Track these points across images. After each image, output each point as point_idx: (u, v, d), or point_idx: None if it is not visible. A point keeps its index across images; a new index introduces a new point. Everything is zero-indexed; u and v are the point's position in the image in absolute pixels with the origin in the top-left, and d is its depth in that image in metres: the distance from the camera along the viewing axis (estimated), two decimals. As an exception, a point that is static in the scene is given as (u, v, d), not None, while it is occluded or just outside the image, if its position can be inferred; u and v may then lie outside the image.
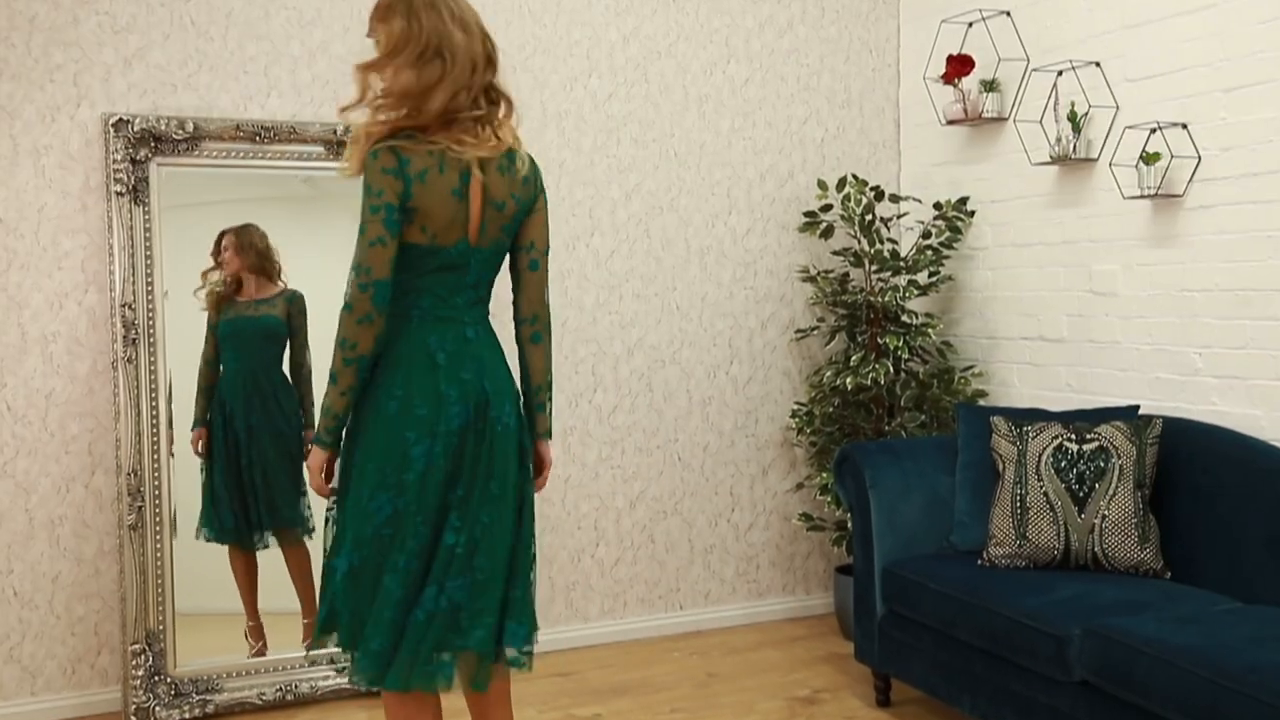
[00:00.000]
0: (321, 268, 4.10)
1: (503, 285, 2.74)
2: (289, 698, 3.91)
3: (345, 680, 3.90)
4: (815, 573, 4.94)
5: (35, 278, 3.79)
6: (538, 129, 4.36)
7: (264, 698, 3.89)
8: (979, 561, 3.61)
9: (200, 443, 3.93)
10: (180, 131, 3.85)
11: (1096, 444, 3.53)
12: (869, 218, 4.60)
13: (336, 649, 2.58)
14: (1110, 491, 3.48)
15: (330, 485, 2.58)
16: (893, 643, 3.70)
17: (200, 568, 3.90)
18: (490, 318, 2.69)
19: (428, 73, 2.48)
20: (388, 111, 2.51)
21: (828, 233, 4.68)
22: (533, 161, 2.65)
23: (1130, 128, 3.90)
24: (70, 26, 3.81)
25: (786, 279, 4.84)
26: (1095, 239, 4.13)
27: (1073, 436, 3.57)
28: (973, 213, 4.61)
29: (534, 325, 2.71)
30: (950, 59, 4.45)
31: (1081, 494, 3.50)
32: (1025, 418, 3.71)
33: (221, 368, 3.96)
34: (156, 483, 3.81)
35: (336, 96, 4.12)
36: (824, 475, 4.53)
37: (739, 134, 4.75)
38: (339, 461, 2.58)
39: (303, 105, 4.09)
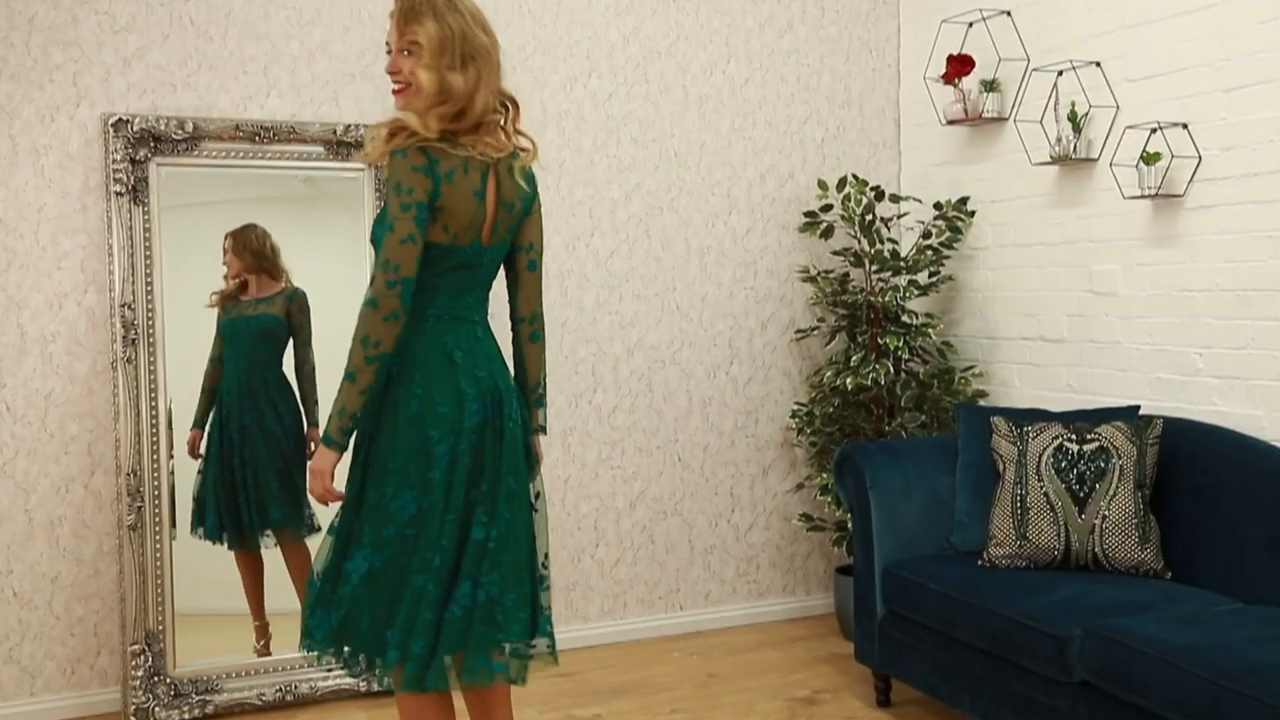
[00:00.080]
0: (321, 267, 4.10)
1: (498, 286, 2.75)
2: (289, 698, 3.90)
3: (344, 680, 3.91)
4: (815, 573, 4.94)
5: (35, 278, 3.79)
6: (538, 129, 4.35)
7: (264, 698, 3.88)
8: (979, 562, 3.60)
9: (195, 444, 3.93)
10: (180, 131, 3.84)
11: (1097, 444, 3.53)
12: (869, 218, 4.60)
13: (329, 655, 2.55)
14: (1111, 492, 3.48)
15: (335, 489, 2.55)
16: (893, 643, 3.70)
17: (200, 568, 3.90)
18: (490, 317, 2.70)
19: (469, 75, 2.52)
20: (439, 112, 2.50)
21: (828, 233, 4.68)
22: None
23: (1131, 128, 3.90)
24: (70, 26, 3.81)
25: (787, 279, 4.84)
26: (1096, 239, 4.13)
27: (1073, 437, 3.57)
28: (973, 213, 4.60)
29: (533, 324, 2.75)
30: (950, 59, 4.44)
31: (1082, 494, 3.50)
32: (1025, 418, 3.71)
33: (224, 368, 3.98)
34: (156, 483, 3.81)
35: (336, 96, 4.13)
36: (824, 475, 4.52)
37: (739, 134, 4.75)
38: (352, 460, 2.57)
39: (302, 105, 4.09)
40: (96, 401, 3.85)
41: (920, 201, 4.80)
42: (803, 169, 4.86)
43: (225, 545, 3.97)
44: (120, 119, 3.77)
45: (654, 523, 4.67)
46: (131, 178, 3.78)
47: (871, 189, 4.63)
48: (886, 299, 4.50)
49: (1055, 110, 4.14)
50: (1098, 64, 4.06)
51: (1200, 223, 3.76)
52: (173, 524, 3.85)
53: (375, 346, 2.44)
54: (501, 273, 2.74)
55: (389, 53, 2.58)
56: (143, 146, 3.80)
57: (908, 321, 4.51)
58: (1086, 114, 4.07)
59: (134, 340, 3.77)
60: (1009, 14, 4.40)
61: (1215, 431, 3.56)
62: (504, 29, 4.29)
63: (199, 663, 3.86)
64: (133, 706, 3.73)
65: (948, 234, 4.59)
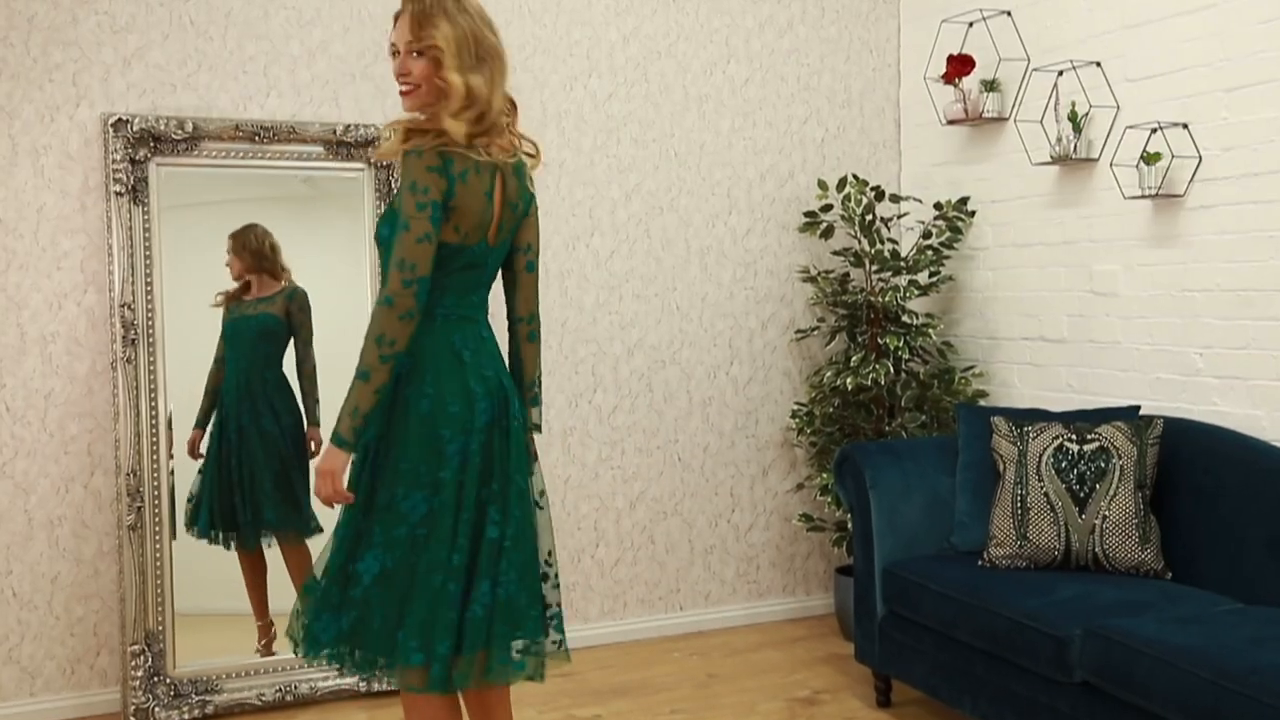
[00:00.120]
0: (321, 267, 4.10)
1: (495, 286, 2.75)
2: (288, 698, 3.90)
3: (344, 681, 3.91)
4: (815, 573, 4.94)
5: (34, 278, 3.79)
6: (538, 129, 4.35)
7: (263, 698, 3.88)
8: (979, 562, 3.60)
9: (196, 444, 3.93)
10: (179, 131, 3.84)
11: (1097, 444, 3.53)
12: (869, 218, 4.60)
13: (328, 660, 2.54)
14: (1111, 492, 3.47)
15: (345, 490, 2.52)
16: (893, 643, 3.70)
17: (200, 568, 3.90)
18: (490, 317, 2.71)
19: (485, 76, 2.53)
20: (468, 115, 2.51)
21: (828, 233, 4.67)
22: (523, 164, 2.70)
23: (1131, 128, 3.89)
24: (69, 26, 3.80)
25: (787, 279, 4.83)
26: (1096, 239, 4.12)
27: (1073, 437, 3.56)
28: (973, 213, 4.60)
29: (530, 324, 2.77)
30: (951, 59, 4.44)
31: (1082, 494, 3.50)
32: (1026, 418, 3.71)
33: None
34: (156, 483, 3.81)
35: (336, 96, 4.12)
36: (824, 476, 4.52)
37: (739, 134, 4.75)
38: (357, 466, 2.56)
39: (302, 105, 4.09)
40: (96, 402, 3.85)
41: (920, 201, 4.80)
42: (803, 169, 4.86)
43: (220, 544, 3.95)
44: (120, 119, 3.77)
45: (654, 523, 4.66)
46: (131, 178, 3.78)
47: (872, 189, 4.63)
48: (887, 299, 4.50)
49: (1055, 110, 4.14)
50: (1098, 64, 4.06)
51: (1201, 223, 3.75)
52: (172, 524, 3.85)
53: (390, 345, 2.43)
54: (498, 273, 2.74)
55: (395, 54, 2.58)
56: (142, 146, 3.80)
57: (908, 321, 4.51)
58: (1087, 114, 4.06)
59: (134, 340, 3.77)
60: (1009, 14, 4.40)
61: (1216, 432, 3.56)
62: (504, 29, 4.26)
63: (199, 663, 3.86)
64: (132, 707, 3.73)
65: (948, 234, 4.58)
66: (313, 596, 2.55)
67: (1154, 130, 3.80)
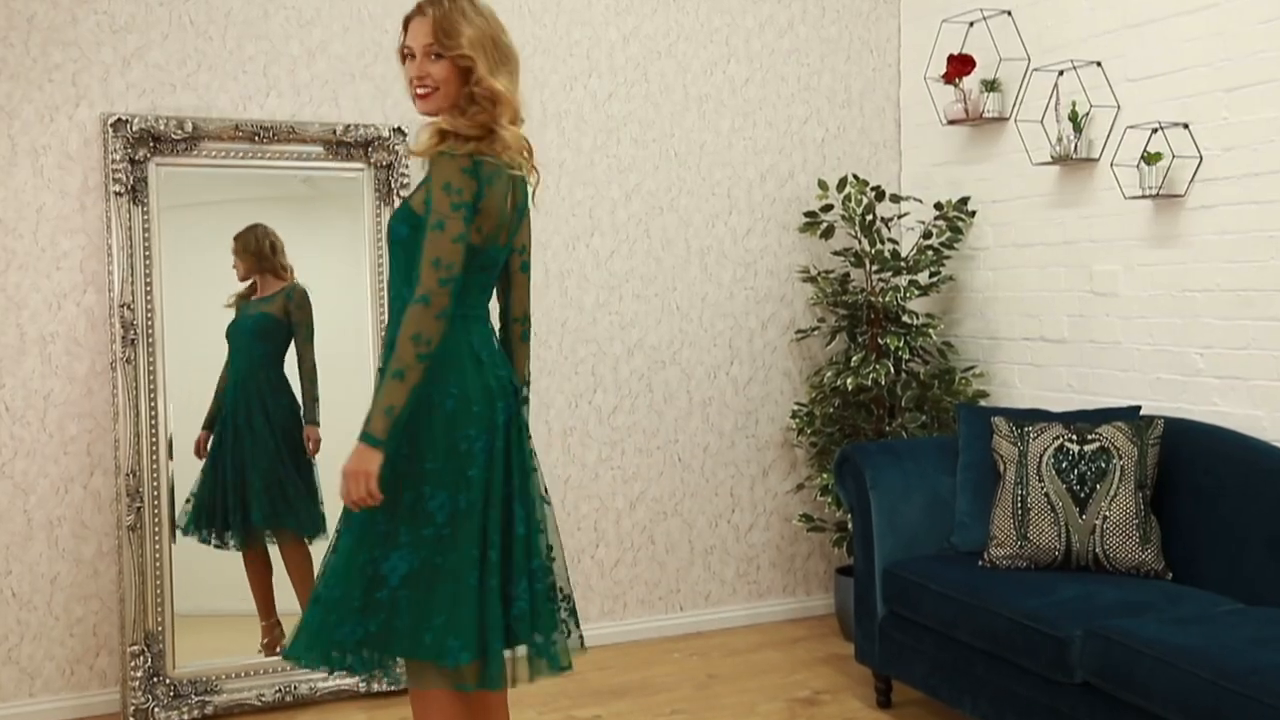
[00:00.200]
0: (321, 267, 4.09)
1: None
2: (288, 699, 3.90)
3: (344, 681, 3.90)
4: (816, 574, 4.93)
5: (34, 278, 3.79)
6: (538, 129, 4.35)
7: (263, 699, 3.88)
8: (980, 562, 3.60)
9: (201, 445, 3.93)
10: (179, 131, 3.84)
11: (1098, 445, 3.52)
12: (869, 218, 4.59)
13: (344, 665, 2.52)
14: (1111, 492, 3.47)
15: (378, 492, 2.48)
16: (893, 644, 3.69)
17: (199, 569, 3.89)
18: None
19: (507, 78, 2.57)
20: (517, 122, 2.56)
21: (828, 233, 4.67)
22: None
23: (1131, 127, 3.89)
24: (69, 26, 3.80)
25: (787, 279, 4.83)
26: (1096, 239, 4.12)
27: (1074, 437, 3.56)
28: (973, 213, 4.60)
29: (524, 324, 2.81)
30: (951, 59, 4.44)
31: (1083, 495, 3.49)
32: (1026, 418, 3.71)
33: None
34: (155, 484, 3.80)
35: (336, 96, 4.12)
36: (824, 476, 4.52)
37: (739, 134, 4.75)
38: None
39: (302, 105, 4.08)
40: (96, 402, 3.85)
41: (921, 201, 4.80)
42: (803, 169, 4.85)
43: (207, 543, 3.94)
44: (119, 119, 3.77)
45: (654, 523, 4.66)
46: (131, 178, 3.78)
47: (872, 189, 4.62)
48: (887, 299, 4.50)
49: (1056, 110, 4.14)
50: (1099, 64, 4.05)
51: (1201, 223, 3.75)
52: (172, 524, 3.85)
53: (426, 344, 2.43)
54: None
55: (409, 57, 2.59)
56: (142, 146, 3.80)
57: (908, 322, 4.51)
58: (1087, 114, 4.06)
59: (133, 341, 3.77)
60: (1010, 14, 4.40)
61: (1216, 432, 3.56)
62: (504, 29, 4.29)
63: (198, 663, 3.85)
64: (132, 707, 3.73)
65: (948, 234, 4.58)
66: (327, 608, 2.49)
67: (1155, 130, 3.79)
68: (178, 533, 3.87)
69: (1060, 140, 4.09)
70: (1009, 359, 4.52)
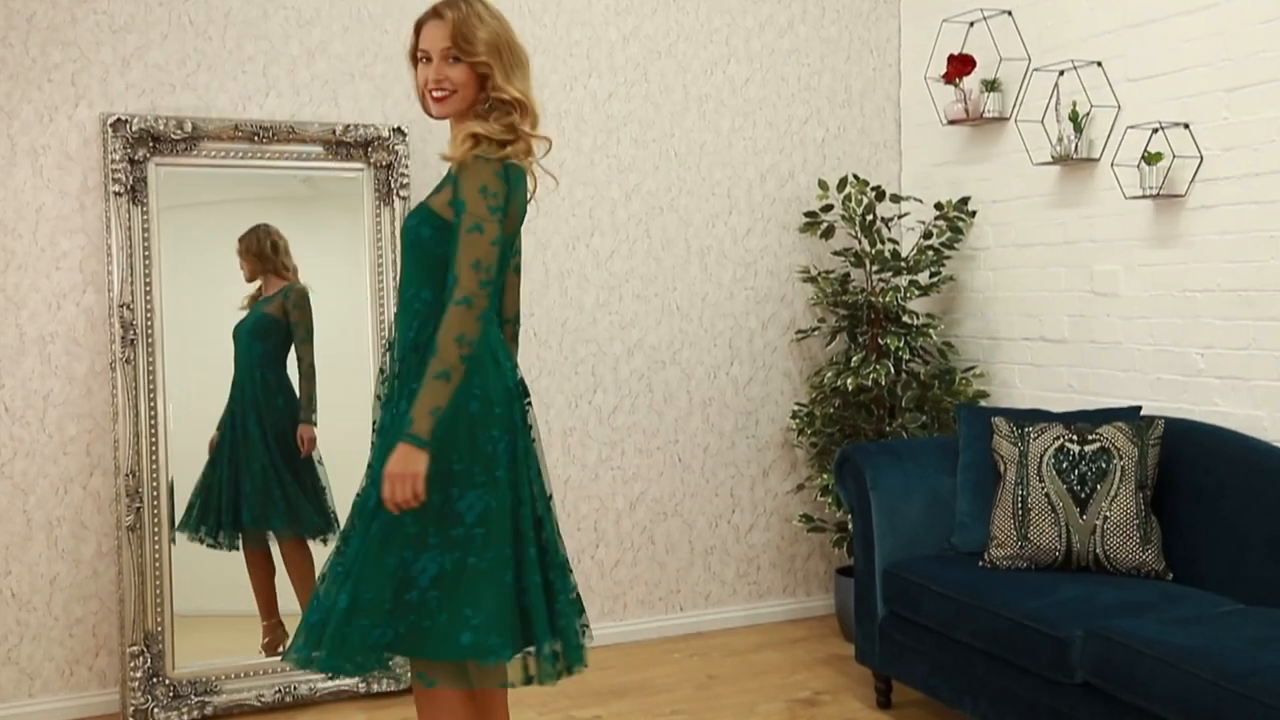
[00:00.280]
0: (321, 267, 4.09)
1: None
2: (288, 699, 3.89)
3: (344, 682, 3.90)
4: (816, 574, 4.93)
5: (33, 278, 3.78)
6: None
7: (263, 699, 3.87)
8: (980, 563, 3.59)
9: (214, 446, 3.97)
10: (178, 131, 3.84)
11: (1098, 445, 3.52)
12: (870, 218, 4.59)
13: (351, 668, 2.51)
14: (1112, 493, 3.47)
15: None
16: (894, 644, 3.69)
17: (199, 569, 3.89)
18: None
19: (522, 78, 2.61)
20: (526, 121, 2.59)
21: (828, 233, 4.67)
22: None
23: (1132, 127, 3.89)
24: (68, 26, 3.80)
25: (787, 279, 4.83)
26: (1097, 239, 4.12)
27: (1074, 437, 3.56)
28: (974, 213, 4.59)
29: (515, 325, 2.84)
30: (951, 58, 4.43)
31: (1083, 495, 3.49)
32: (1026, 418, 3.70)
33: None
34: (155, 484, 3.80)
35: (335, 96, 4.12)
36: (825, 476, 4.51)
37: (739, 134, 4.74)
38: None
39: (301, 105, 4.08)
40: (95, 402, 3.85)
41: (921, 201, 4.79)
42: (803, 169, 4.85)
43: (200, 542, 3.94)
44: (119, 119, 3.77)
45: (654, 524, 4.66)
46: (130, 178, 3.78)
47: (872, 189, 4.62)
48: (887, 299, 4.49)
49: (1056, 110, 4.14)
50: (1099, 64, 4.05)
51: (1202, 223, 3.75)
52: (171, 525, 3.84)
53: (469, 345, 2.45)
54: None
55: (424, 60, 2.59)
56: (141, 146, 3.80)
57: (908, 322, 4.50)
58: (1088, 114, 4.06)
59: (133, 341, 3.77)
60: (1010, 14, 4.40)
61: (1217, 432, 3.55)
62: (504, 29, 4.29)
63: (198, 664, 3.85)
64: (131, 708, 3.73)
65: (948, 234, 4.58)
66: (352, 607, 2.46)
67: (1155, 130, 3.79)
68: (176, 533, 3.87)
69: (1061, 140, 4.09)
70: (1009, 359, 4.51)
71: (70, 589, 3.84)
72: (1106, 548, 3.45)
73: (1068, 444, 3.55)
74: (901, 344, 4.43)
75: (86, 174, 3.83)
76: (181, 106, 3.92)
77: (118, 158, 3.76)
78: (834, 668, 4.25)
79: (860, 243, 4.63)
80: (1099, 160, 4.06)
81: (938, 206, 4.62)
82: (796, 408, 4.73)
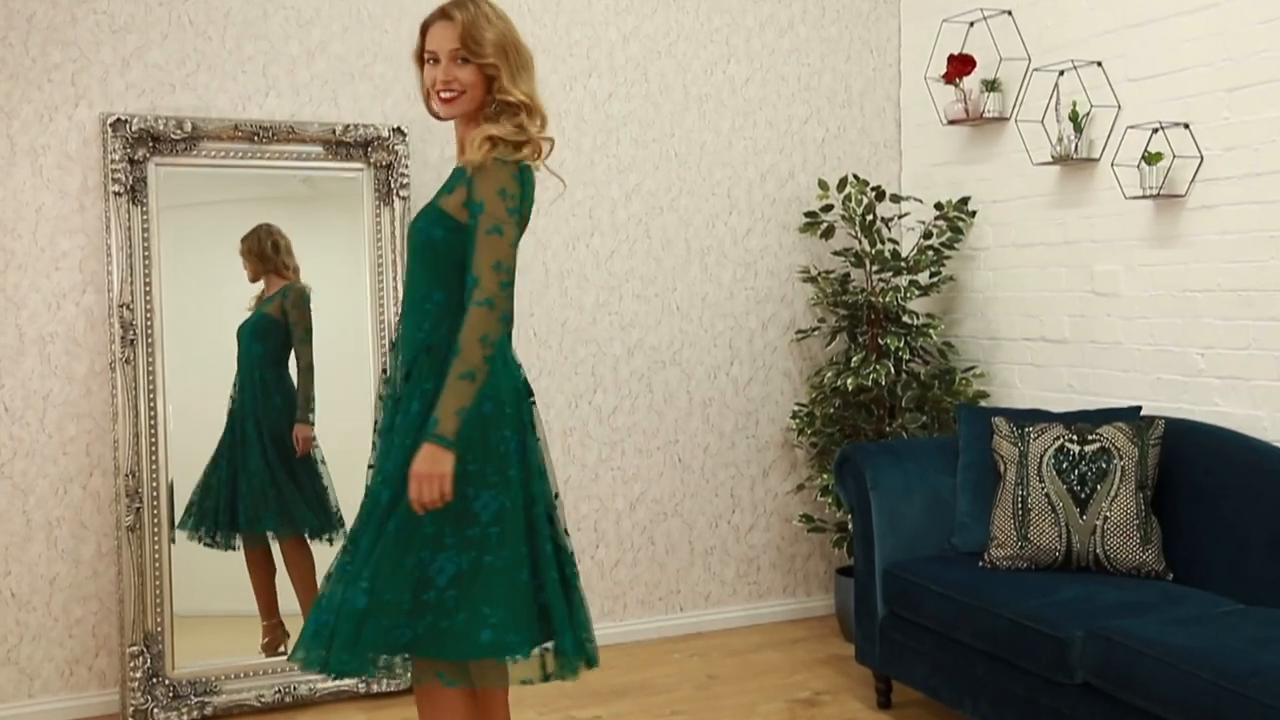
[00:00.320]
0: (320, 267, 4.09)
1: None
2: (288, 699, 3.89)
3: (344, 682, 3.89)
4: (816, 574, 4.93)
5: (33, 278, 3.78)
6: (537, 129, 4.34)
7: (263, 699, 3.87)
8: (980, 563, 3.59)
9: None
10: (178, 131, 3.83)
11: (1098, 445, 3.52)
12: (870, 218, 4.59)
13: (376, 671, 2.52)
14: (1112, 493, 3.46)
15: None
16: (894, 644, 3.69)
17: (198, 569, 3.89)
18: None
19: (528, 79, 2.63)
20: (534, 122, 2.60)
21: (828, 233, 4.66)
22: None
23: (1132, 127, 3.88)
24: (68, 26, 3.80)
25: (787, 279, 4.82)
26: (1097, 239, 4.11)
27: (1074, 438, 3.56)
28: (974, 213, 4.59)
29: (510, 324, 2.86)
30: (951, 58, 4.43)
31: (1083, 495, 3.49)
32: (1027, 419, 3.70)
33: None
34: (155, 484, 3.80)
35: (335, 96, 4.12)
36: (825, 476, 4.51)
37: (739, 134, 4.74)
38: (403, 467, 2.48)
39: (301, 105, 4.08)
40: (95, 402, 3.84)
41: (921, 201, 4.79)
42: (803, 169, 4.85)
43: (197, 542, 3.94)
44: (119, 119, 3.76)
45: (654, 524, 4.66)
46: (130, 178, 3.78)
47: (872, 189, 4.62)
48: (887, 299, 4.49)
49: (1056, 110, 4.13)
50: (1099, 64, 4.05)
51: (1202, 223, 3.74)
52: (171, 525, 3.84)
53: (492, 346, 2.47)
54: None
55: (431, 61, 2.60)
56: (141, 146, 3.80)
57: (908, 322, 4.50)
58: (1088, 114, 4.05)
59: (132, 341, 3.76)
60: (1010, 13, 4.39)
61: (1217, 432, 3.55)
62: (504, 29, 4.28)
63: (198, 664, 3.85)
64: (131, 708, 3.72)
65: (949, 234, 4.57)
66: (370, 608, 2.46)
67: (1155, 130, 3.79)
68: (176, 532, 3.87)
69: (1061, 140, 4.08)
70: (1009, 359, 4.51)
71: (70, 589, 3.84)
72: (1107, 548, 3.44)
73: (1068, 444, 3.55)
74: (901, 344, 4.43)
75: (86, 174, 3.82)
76: (181, 106, 3.92)
77: (117, 158, 3.76)
78: (834, 668, 4.25)
79: (860, 243, 4.62)
80: (1099, 160, 4.06)
81: (938, 206, 4.62)
82: (796, 408, 4.73)
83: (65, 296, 3.81)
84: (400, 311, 2.73)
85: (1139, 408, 3.74)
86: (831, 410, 4.59)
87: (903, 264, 4.56)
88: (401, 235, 4.08)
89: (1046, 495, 3.52)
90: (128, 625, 3.75)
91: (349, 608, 2.45)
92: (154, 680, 3.77)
